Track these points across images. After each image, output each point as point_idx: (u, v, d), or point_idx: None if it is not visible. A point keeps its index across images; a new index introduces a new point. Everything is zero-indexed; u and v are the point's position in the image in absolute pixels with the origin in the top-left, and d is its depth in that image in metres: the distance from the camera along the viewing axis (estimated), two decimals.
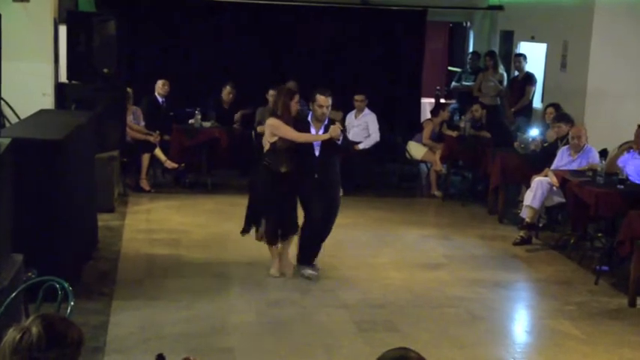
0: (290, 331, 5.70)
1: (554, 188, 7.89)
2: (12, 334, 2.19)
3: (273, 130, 6.59)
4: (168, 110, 10.37)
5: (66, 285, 3.98)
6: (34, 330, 2.17)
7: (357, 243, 8.03)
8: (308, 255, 6.78)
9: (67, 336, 2.22)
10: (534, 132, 9.12)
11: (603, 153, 8.26)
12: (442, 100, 12.76)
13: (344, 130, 6.72)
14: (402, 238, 8.27)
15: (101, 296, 6.10)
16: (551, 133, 8.75)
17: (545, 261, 7.66)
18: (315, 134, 6.61)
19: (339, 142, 6.53)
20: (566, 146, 8.19)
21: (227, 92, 10.46)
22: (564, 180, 7.69)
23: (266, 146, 6.65)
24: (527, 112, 11.02)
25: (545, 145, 8.72)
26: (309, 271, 6.73)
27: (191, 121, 10.03)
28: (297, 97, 6.78)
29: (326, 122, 6.65)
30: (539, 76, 11.17)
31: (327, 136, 6.53)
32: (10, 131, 5.88)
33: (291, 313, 6.04)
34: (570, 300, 6.54)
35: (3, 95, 6.86)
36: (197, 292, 6.33)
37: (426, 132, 10.43)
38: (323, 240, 6.82)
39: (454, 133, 10.15)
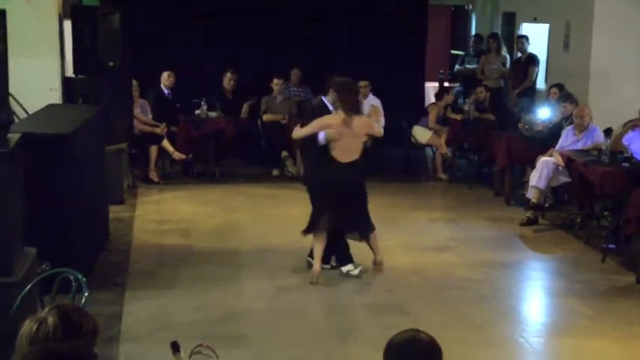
0: (302, 317, 5.72)
1: (560, 168, 7.88)
2: (29, 325, 2.20)
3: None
4: (175, 102, 10.37)
5: (80, 276, 4.01)
6: (50, 320, 2.19)
7: None
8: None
9: (82, 325, 2.23)
10: (545, 113, 9.01)
11: (608, 132, 8.23)
12: (446, 84, 12.72)
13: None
14: (410, 222, 8.28)
15: (114, 287, 6.13)
16: (556, 113, 8.72)
17: (552, 241, 7.66)
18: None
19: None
20: (571, 126, 8.17)
21: (228, 79, 10.46)
22: (569, 160, 7.68)
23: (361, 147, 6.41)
24: (530, 93, 10.98)
25: (550, 125, 8.70)
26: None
27: (197, 111, 10.02)
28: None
29: None
30: (542, 57, 11.11)
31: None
32: (20, 126, 5.89)
33: (302, 298, 6.06)
34: (579, 278, 6.54)
35: (11, 91, 6.86)
36: (208, 281, 6.36)
37: (432, 116, 10.40)
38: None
39: (458, 117, 10.13)
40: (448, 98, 10.51)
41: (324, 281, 6.36)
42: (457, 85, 12.49)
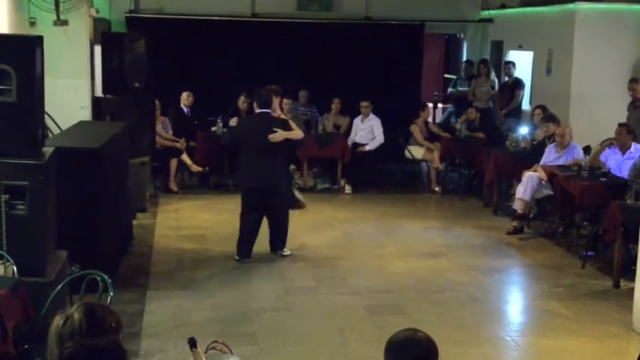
0: (306, 316, 5.70)
1: (543, 182, 7.86)
2: (56, 321, 2.19)
3: None
4: (193, 119, 10.40)
5: (106, 277, 4.01)
6: (76, 316, 2.17)
7: (364, 235, 8.03)
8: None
9: (106, 321, 2.22)
10: (524, 130, 9.13)
11: (587, 149, 8.23)
12: (439, 105, 12.73)
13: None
14: (406, 230, 8.26)
15: (137, 287, 6.13)
16: (539, 132, 8.73)
17: (536, 248, 7.63)
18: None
19: None
20: (553, 144, 8.17)
21: (242, 101, 10.46)
22: (552, 174, 7.67)
23: None
24: (516, 113, 10.99)
25: (535, 143, 8.70)
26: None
27: (213, 128, 10.05)
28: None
29: None
30: (527, 81, 11.12)
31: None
32: (54, 141, 5.91)
33: (307, 299, 6.04)
34: (560, 283, 6.51)
35: (46, 109, 6.88)
36: (222, 282, 6.35)
37: (417, 135, 10.37)
38: None
39: (445, 134, 10.15)
40: (424, 115, 10.49)
41: (327, 283, 6.34)
42: (450, 105, 12.50)
